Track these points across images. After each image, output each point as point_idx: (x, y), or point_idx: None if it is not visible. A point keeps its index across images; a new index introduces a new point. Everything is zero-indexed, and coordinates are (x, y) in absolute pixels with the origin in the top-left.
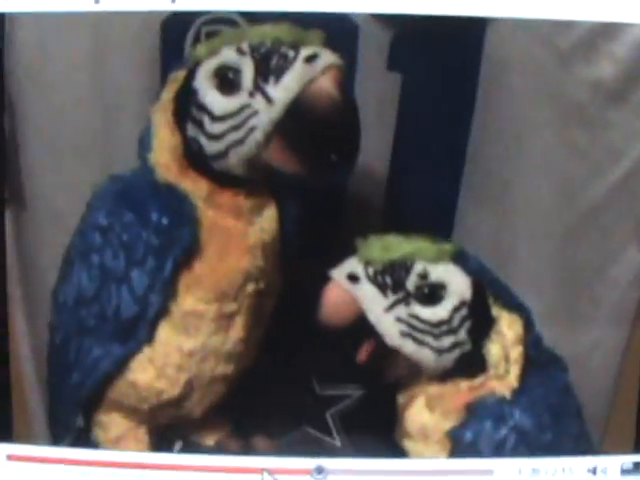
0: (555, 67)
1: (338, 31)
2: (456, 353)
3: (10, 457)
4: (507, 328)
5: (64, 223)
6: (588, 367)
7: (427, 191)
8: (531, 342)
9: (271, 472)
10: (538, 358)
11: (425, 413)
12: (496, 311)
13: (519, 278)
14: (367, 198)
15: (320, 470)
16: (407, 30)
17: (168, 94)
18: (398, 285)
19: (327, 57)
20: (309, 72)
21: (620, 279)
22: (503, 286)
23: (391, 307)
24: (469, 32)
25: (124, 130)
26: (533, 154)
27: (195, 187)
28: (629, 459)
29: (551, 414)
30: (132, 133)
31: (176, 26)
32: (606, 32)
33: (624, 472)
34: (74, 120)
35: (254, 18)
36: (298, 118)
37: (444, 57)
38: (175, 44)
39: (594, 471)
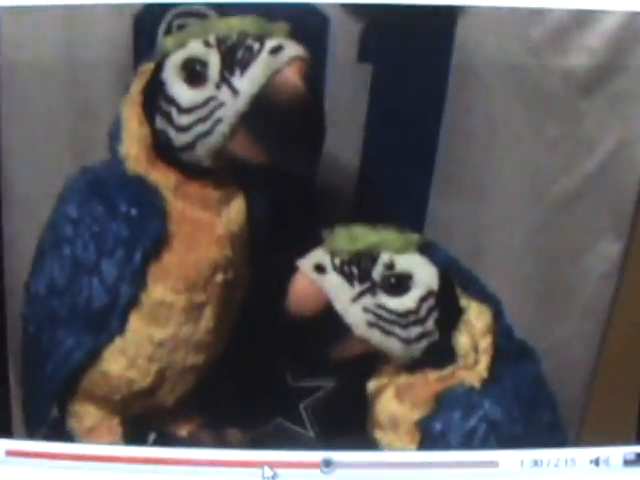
0: (527, 58)
1: (308, 23)
2: (424, 343)
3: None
4: (476, 318)
5: (38, 216)
6: (564, 359)
7: (398, 183)
8: (501, 332)
9: (277, 466)
10: (509, 349)
11: (394, 403)
12: (464, 301)
13: (492, 270)
14: (338, 190)
15: (328, 463)
16: (377, 21)
17: (137, 86)
18: (364, 275)
19: (292, 49)
20: (274, 64)
21: (594, 270)
22: (472, 277)
23: (358, 297)
24: (440, 23)
25: (97, 122)
26: (505, 145)
27: (164, 178)
28: (632, 450)
29: (522, 405)
30: (104, 125)
31: (148, 19)
32: (578, 22)
33: (627, 463)
34: (47, 112)
35: (225, 11)
36: (263, 109)
37: (415, 48)
38: (147, 37)
39: (596, 462)
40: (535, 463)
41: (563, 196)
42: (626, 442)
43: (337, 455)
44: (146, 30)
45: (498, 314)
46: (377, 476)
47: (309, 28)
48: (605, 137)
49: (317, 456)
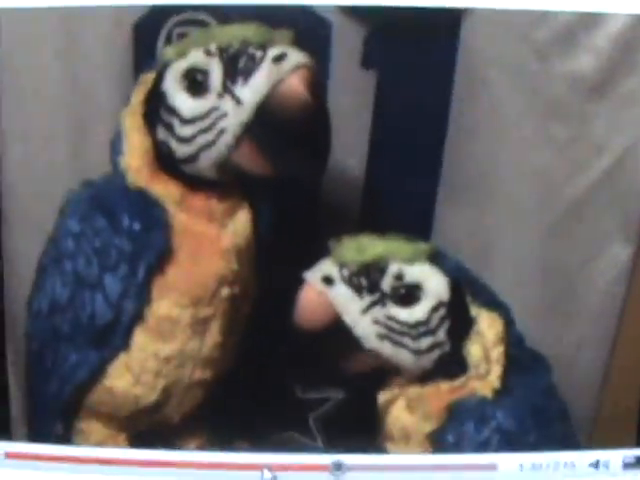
0: (533, 61)
1: (311, 29)
2: (435, 354)
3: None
4: (487, 328)
5: (39, 231)
6: (574, 365)
7: (404, 190)
8: (512, 341)
9: (276, 469)
10: (520, 358)
11: (406, 415)
12: (475, 311)
13: (500, 277)
14: (344, 199)
15: (339, 466)
16: (381, 27)
17: (138, 97)
18: (373, 286)
19: (295, 56)
20: (277, 72)
21: (604, 275)
22: (482, 285)
23: (367, 309)
24: (444, 27)
25: (97, 134)
26: (512, 150)
27: (167, 191)
28: (631, 453)
29: (534, 414)
30: (104, 137)
31: (148, 28)
32: (584, 24)
33: (626, 466)
34: (46, 125)
35: (226, 19)
36: (267, 119)
37: (419, 53)
38: (147, 46)
39: (596, 465)
40: (534, 466)
41: (572, 200)
42: (626, 445)
43: (347, 458)
44: (146, 39)
45: (509, 323)
46: (379, 478)
47: (312, 35)
48: (614, 140)
49: (317, 459)
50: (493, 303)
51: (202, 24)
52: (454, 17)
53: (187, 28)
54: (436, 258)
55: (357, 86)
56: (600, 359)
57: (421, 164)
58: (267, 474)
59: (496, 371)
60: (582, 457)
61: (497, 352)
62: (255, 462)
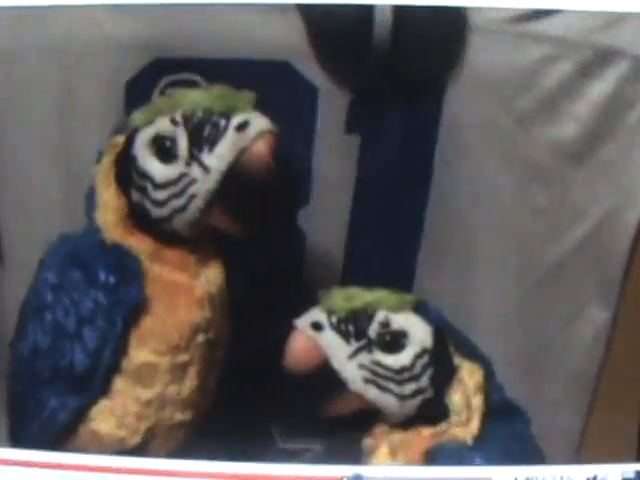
0: (514, 128)
1: (297, 93)
2: (418, 400)
3: None
4: (468, 377)
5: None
6: (553, 422)
7: (386, 253)
8: (492, 391)
9: None
10: (499, 407)
11: (389, 461)
12: (457, 360)
13: (481, 336)
14: (326, 259)
15: (358, 478)
16: (365, 93)
17: (109, 158)
18: (360, 333)
19: (258, 123)
20: (241, 140)
21: (582, 337)
22: (463, 337)
23: (354, 354)
24: (427, 94)
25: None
26: (492, 215)
27: (141, 245)
28: (630, 468)
29: (512, 461)
30: None
31: (140, 87)
32: (565, 92)
33: None
34: (40, 177)
35: (216, 80)
36: (234, 185)
37: (402, 119)
38: (139, 105)
39: None
40: None
41: (551, 264)
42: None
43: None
44: (138, 99)
45: (489, 374)
46: None
47: (298, 99)
48: (594, 205)
49: (325, 470)
50: (474, 354)
51: (194, 85)
52: (438, 83)
53: (179, 88)
54: (421, 308)
55: (341, 150)
56: (577, 421)
57: (403, 227)
58: None
59: (476, 418)
60: (580, 471)
61: (477, 401)
62: (270, 473)
